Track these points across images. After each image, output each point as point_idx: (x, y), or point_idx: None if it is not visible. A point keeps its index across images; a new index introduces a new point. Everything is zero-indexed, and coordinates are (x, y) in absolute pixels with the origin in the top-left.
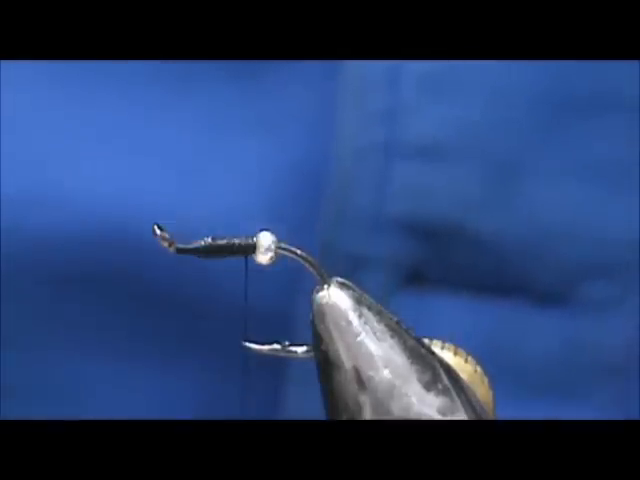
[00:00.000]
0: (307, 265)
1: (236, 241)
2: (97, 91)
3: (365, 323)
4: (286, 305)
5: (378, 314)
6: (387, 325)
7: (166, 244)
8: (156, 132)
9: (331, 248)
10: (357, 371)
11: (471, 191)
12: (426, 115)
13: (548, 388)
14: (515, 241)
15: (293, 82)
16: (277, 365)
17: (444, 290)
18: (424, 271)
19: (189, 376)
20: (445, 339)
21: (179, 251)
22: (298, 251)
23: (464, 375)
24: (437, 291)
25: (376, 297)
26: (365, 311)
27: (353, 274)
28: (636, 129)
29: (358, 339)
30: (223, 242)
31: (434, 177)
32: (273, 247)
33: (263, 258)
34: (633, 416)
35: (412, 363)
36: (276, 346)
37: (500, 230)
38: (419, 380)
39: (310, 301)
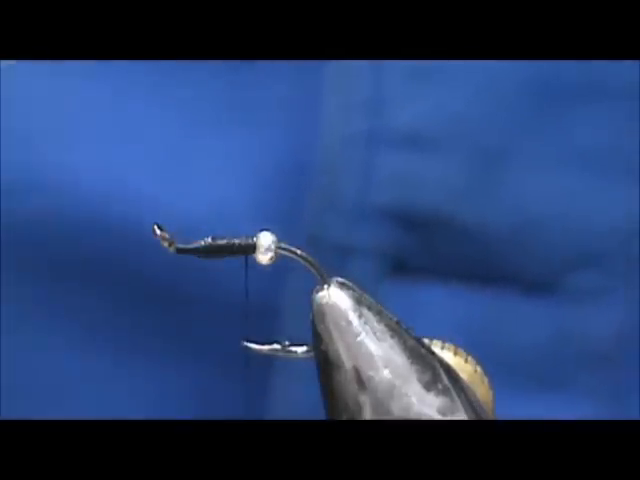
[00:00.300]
0: (307, 265)
1: (236, 241)
2: (86, 85)
3: (365, 323)
4: (273, 300)
5: (378, 314)
6: (387, 325)
7: (166, 244)
8: (141, 127)
9: (318, 239)
10: (357, 371)
11: (457, 180)
12: (411, 104)
13: (536, 377)
14: (501, 230)
15: (277, 73)
16: (267, 363)
17: (431, 279)
18: (410, 261)
19: (187, 373)
20: (431, 328)
21: (179, 251)
22: (298, 251)
23: (464, 375)
24: (424, 280)
25: (363, 287)
26: (365, 311)
27: (340, 264)
28: (621, 117)
29: (358, 339)
30: (223, 242)
31: (420, 166)
32: (273, 247)
33: (263, 258)
34: (621, 405)
35: (412, 363)
36: (276, 346)
37: (486, 219)
38: (419, 380)
39: (310, 301)
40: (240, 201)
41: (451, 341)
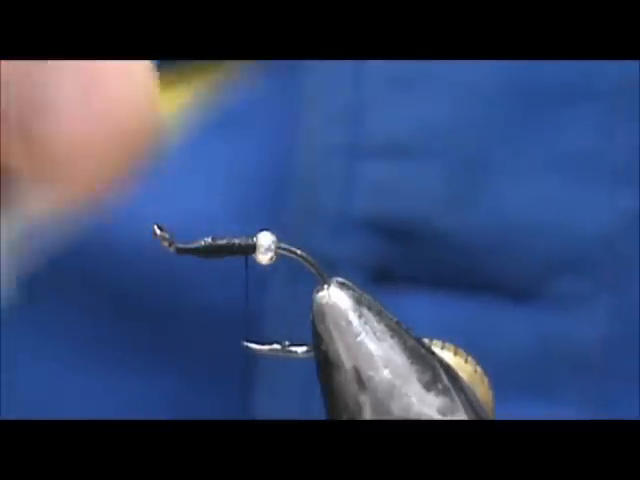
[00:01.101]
0: (307, 265)
1: (236, 241)
2: None
3: (365, 323)
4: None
5: (378, 314)
6: (387, 325)
7: (166, 244)
8: None
9: (299, 249)
10: (357, 371)
11: (438, 189)
12: (391, 113)
13: (520, 384)
14: (484, 238)
15: (258, 82)
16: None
17: (413, 288)
18: (393, 270)
19: (171, 383)
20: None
21: (179, 251)
22: (298, 251)
23: (464, 375)
24: (406, 289)
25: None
26: (365, 311)
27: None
28: (601, 122)
29: (358, 339)
30: (223, 242)
31: (400, 175)
32: (273, 247)
33: (263, 258)
34: (605, 410)
35: (412, 363)
36: (276, 346)
37: (468, 227)
38: (419, 380)
39: (310, 301)
40: (221, 213)
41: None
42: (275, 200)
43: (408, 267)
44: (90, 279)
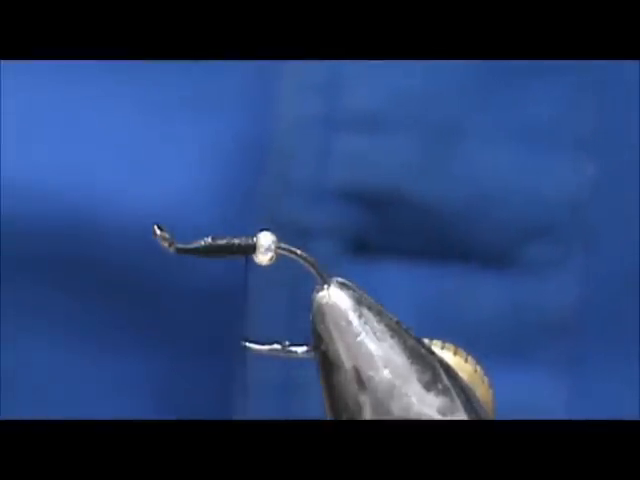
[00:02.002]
0: (307, 265)
1: (236, 241)
2: (47, 79)
3: (365, 323)
4: (235, 283)
5: (378, 314)
6: (387, 325)
7: (166, 244)
8: (97, 118)
9: (276, 220)
10: (357, 371)
11: (410, 158)
12: (364, 85)
13: (495, 350)
14: (456, 206)
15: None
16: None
17: (389, 258)
18: (368, 239)
19: (155, 363)
20: (393, 306)
21: (179, 251)
22: (298, 251)
23: (464, 375)
24: (382, 259)
25: (323, 267)
26: (365, 311)
27: (299, 245)
28: (569, 91)
29: (358, 339)
30: (223, 242)
31: (375, 146)
32: (273, 247)
33: (263, 258)
34: (579, 375)
35: (412, 363)
36: (276, 346)
37: (440, 196)
38: (419, 380)
39: (310, 301)
40: (198, 186)
41: (412, 316)
42: (253, 173)
43: (383, 237)
44: (75, 261)
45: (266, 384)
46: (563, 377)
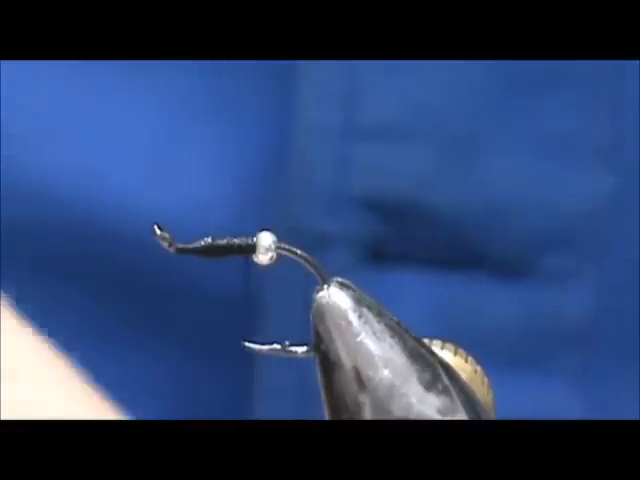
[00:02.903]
0: (307, 265)
1: (236, 241)
2: (65, 81)
3: (365, 323)
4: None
5: (378, 314)
6: (387, 325)
7: (166, 244)
8: (121, 125)
9: (294, 227)
10: (357, 371)
11: (428, 168)
12: (383, 95)
13: (509, 360)
14: (472, 215)
15: (253, 65)
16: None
17: (405, 266)
18: (385, 248)
19: (167, 363)
20: (409, 314)
21: (179, 251)
22: (298, 251)
23: (464, 375)
24: (398, 267)
25: (340, 274)
26: (365, 311)
27: (316, 252)
28: (587, 102)
29: (358, 339)
30: (223, 242)
31: (392, 155)
32: (273, 247)
33: (263, 258)
34: (592, 384)
35: (412, 363)
36: (276, 346)
37: (457, 205)
38: (419, 380)
39: (310, 301)
40: (219, 193)
41: (427, 325)
42: (272, 181)
43: (399, 245)
44: (90, 264)
45: (277, 387)
46: (577, 387)
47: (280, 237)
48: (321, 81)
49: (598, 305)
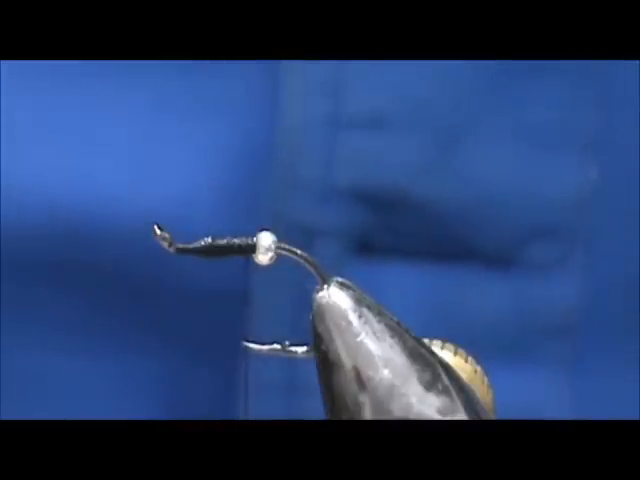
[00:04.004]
0: (307, 265)
1: (236, 241)
2: (46, 82)
3: (365, 323)
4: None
5: (378, 314)
6: (387, 325)
7: (166, 244)
8: (104, 119)
9: (282, 220)
10: (357, 371)
11: (415, 159)
12: (369, 85)
13: (498, 350)
14: (460, 206)
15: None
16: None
17: (393, 258)
18: (373, 240)
19: (159, 362)
20: (397, 306)
21: (179, 251)
22: (298, 251)
23: (464, 375)
24: (386, 259)
25: (328, 267)
26: (365, 311)
27: (304, 245)
28: (571, 92)
29: (358, 339)
30: (223, 242)
31: (379, 146)
32: (273, 247)
33: (263, 258)
34: (580, 374)
35: (412, 363)
36: (276, 346)
37: (445, 196)
38: (419, 380)
39: (310, 301)
40: (204, 186)
41: (416, 316)
42: (258, 172)
43: (387, 237)
44: (80, 263)
45: (270, 384)
46: (565, 377)
47: (268, 230)
48: (307, 72)
49: (585, 295)
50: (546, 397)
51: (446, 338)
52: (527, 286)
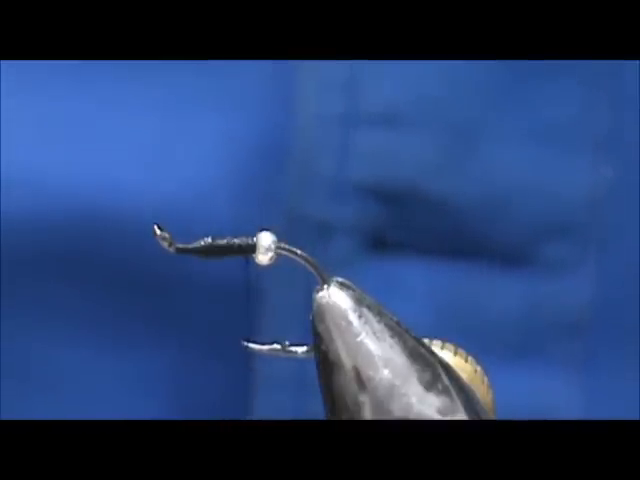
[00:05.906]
0: (307, 265)
1: (236, 241)
2: (61, 78)
3: (365, 323)
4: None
5: (378, 314)
6: (387, 325)
7: (166, 244)
8: (119, 114)
9: (296, 216)
10: (357, 371)
11: (429, 156)
12: (383, 83)
13: (509, 349)
14: (473, 204)
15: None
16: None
17: (406, 255)
18: (387, 236)
19: (167, 357)
20: (410, 302)
21: (179, 251)
22: (298, 251)
23: (464, 375)
24: (399, 256)
25: (342, 263)
26: (365, 311)
27: (318, 241)
28: (587, 91)
29: (358, 339)
30: (223, 242)
31: (394, 143)
32: (273, 247)
33: (263, 258)
34: (592, 373)
35: (412, 363)
36: (276, 346)
37: (459, 193)
38: (419, 380)
39: (310, 301)
40: (218, 183)
41: (428, 313)
42: (273, 169)
43: (402, 233)
44: (90, 258)
45: (276, 382)
46: (577, 376)
47: (282, 226)
48: (321, 69)
49: (598, 294)
50: (558, 396)
51: (457, 334)
52: (539, 284)
